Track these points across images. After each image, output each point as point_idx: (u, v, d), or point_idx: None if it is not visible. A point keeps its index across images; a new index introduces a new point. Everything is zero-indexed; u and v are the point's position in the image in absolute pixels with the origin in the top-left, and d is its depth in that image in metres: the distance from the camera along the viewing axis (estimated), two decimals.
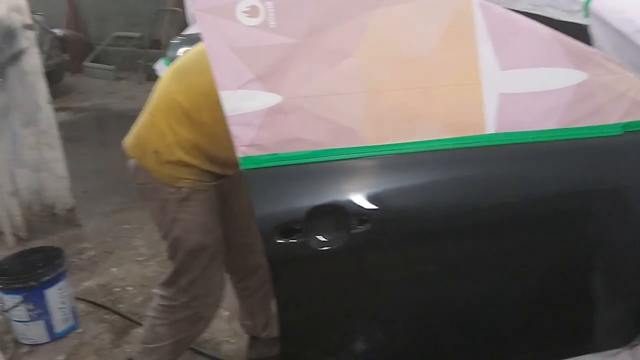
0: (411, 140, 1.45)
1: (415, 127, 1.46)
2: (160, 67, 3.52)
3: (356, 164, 1.44)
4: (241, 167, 1.36)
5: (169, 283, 1.94)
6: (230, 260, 2.08)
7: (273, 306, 2.11)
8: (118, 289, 2.99)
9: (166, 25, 8.33)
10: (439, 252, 1.52)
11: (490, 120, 1.47)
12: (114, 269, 3.16)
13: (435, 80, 1.47)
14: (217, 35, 1.36)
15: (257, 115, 1.37)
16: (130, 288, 2.95)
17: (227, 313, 2.60)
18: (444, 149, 1.46)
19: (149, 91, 1.87)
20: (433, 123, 1.47)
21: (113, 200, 4.02)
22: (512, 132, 1.48)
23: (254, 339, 2.36)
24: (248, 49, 1.37)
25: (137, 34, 9.06)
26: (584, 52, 1.53)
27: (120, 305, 2.83)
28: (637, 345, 1.77)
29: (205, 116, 1.69)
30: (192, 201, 1.80)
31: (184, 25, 4.16)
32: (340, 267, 1.47)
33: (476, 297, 1.59)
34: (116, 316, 2.75)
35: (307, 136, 1.40)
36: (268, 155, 1.38)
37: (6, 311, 2.54)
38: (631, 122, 1.57)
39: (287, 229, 1.38)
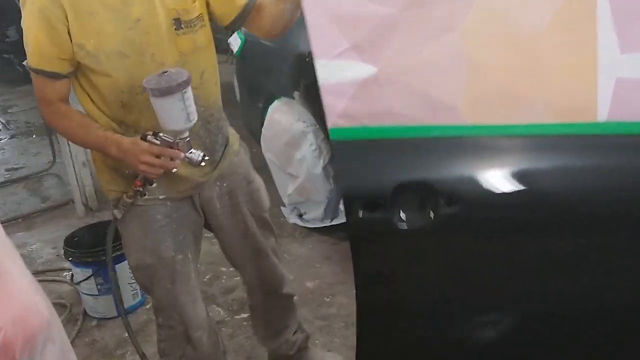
0: (515, 123, 1.36)
1: (520, 109, 1.37)
2: (235, 40, 3.44)
3: (451, 142, 1.37)
4: (330, 138, 1.34)
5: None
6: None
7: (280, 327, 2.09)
8: None
9: None
10: (535, 245, 1.41)
11: (603, 107, 1.34)
12: None
13: (545, 60, 1.37)
14: (316, 3, 1.34)
15: (351, 86, 1.33)
16: (199, 265, 2.90)
17: None
18: (550, 134, 1.37)
19: (219, 63, 1.77)
20: (540, 106, 1.37)
21: None
22: (628, 122, 1.35)
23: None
24: (346, 18, 1.33)
25: None
26: None
27: None
28: None
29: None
30: (125, 215, 1.68)
31: None
32: (423, 247, 1.40)
33: (575, 298, 1.46)
34: None
35: (401, 110, 1.35)
36: (358, 127, 1.35)
37: (77, 283, 2.54)
38: None
39: (371, 203, 1.33)
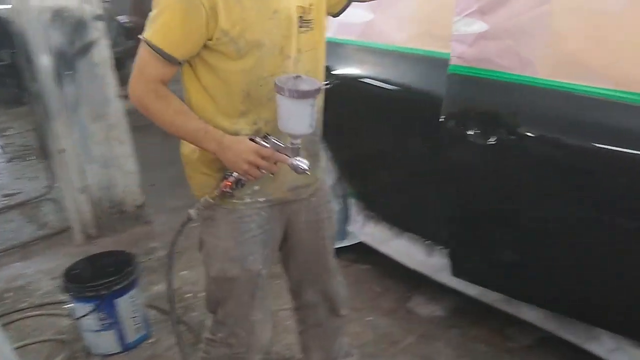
0: (578, 83, 1.71)
1: (585, 73, 1.69)
2: None
3: (524, 89, 1.82)
4: (449, 71, 1.99)
5: (210, 311, 1.81)
6: (291, 288, 1.99)
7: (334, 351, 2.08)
8: (190, 295, 2.89)
9: None
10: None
11: None
12: (184, 272, 3.07)
13: (616, 34, 1.67)
14: None
15: (470, 36, 1.94)
16: (203, 294, 2.78)
17: None
18: (604, 97, 1.66)
19: None
20: (602, 73, 1.66)
21: (182, 194, 3.86)
22: None
23: None
24: None
25: None
26: None
27: (193, 314, 2.71)
28: None
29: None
30: (214, 220, 1.65)
31: None
32: (486, 157, 1.94)
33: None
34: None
35: (497, 59, 1.88)
36: (468, 67, 1.96)
37: (77, 319, 2.42)
38: None
39: (459, 119, 1.98)
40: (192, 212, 1.64)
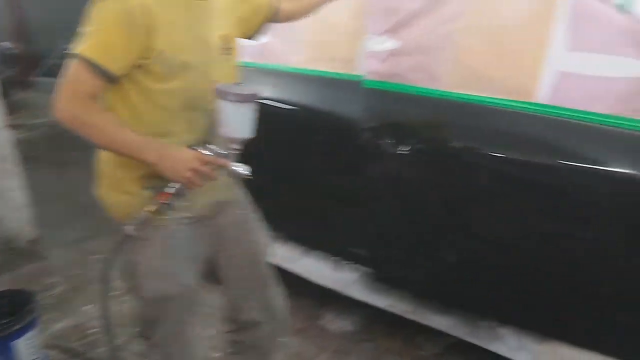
0: (478, 94, 1.89)
1: (484, 84, 1.88)
2: None
3: (434, 102, 1.99)
4: (364, 86, 2.14)
5: (141, 335, 1.76)
6: (228, 308, 1.93)
7: None
8: (94, 330, 2.70)
9: None
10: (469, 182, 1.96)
11: (542, 91, 1.79)
12: (87, 307, 2.88)
13: (510, 49, 1.86)
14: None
15: (382, 54, 2.10)
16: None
17: None
18: (500, 107, 1.86)
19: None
20: (498, 84, 1.86)
21: (78, 227, 3.72)
22: (560, 107, 1.77)
23: None
24: (390, 8, 2.07)
25: None
26: None
27: (99, 350, 2.56)
28: None
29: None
30: (145, 240, 1.61)
31: None
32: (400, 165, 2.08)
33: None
34: None
35: (408, 74, 2.04)
36: (380, 81, 2.11)
37: None
38: None
39: (374, 131, 2.11)
40: (129, 228, 1.57)
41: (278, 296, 1.96)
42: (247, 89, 1.50)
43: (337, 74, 2.24)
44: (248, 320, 1.90)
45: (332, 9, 2.34)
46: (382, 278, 2.33)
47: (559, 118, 1.73)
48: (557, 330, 1.95)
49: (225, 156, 1.52)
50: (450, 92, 1.93)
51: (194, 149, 1.52)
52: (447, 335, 2.26)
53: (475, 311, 2.13)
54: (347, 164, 2.23)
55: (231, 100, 1.46)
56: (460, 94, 1.91)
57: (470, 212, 1.97)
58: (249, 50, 2.64)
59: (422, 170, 2.03)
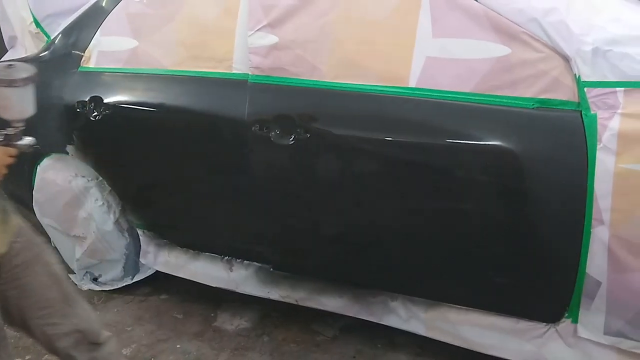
0: (355, 82, 2.03)
1: (361, 73, 2.02)
2: None
3: (314, 92, 2.10)
4: (249, 81, 2.20)
5: None
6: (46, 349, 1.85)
7: None
8: None
9: None
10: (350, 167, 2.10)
11: (414, 76, 1.94)
12: None
13: (382, 38, 1.99)
14: None
15: (263, 49, 2.16)
16: None
17: None
18: (376, 93, 2.00)
19: None
20: (373, 72, 2.00)
21: None
22: (429, 89, 1.93)
23: None
24: (267, 5, 2.14)
25: None
26: (511, 30, 1.80)
27: None
28: (563, 322, 1.95)
29: None
30: None
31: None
32: (286, 156, 2.18)
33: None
34: None
35: (289, 68, 2.13)
36: (264, 76, 2.18)
37: None
38: (547, 99, 1.78)
39: (261, 124, 2.16)
40: None
41: (88, 312, 1.88)
42: (25, 70, 1.57)
43: (216, 73, 2.27)
44: (65, 348, 1.80)
45: (200, 9, 2.37)
46: (275, 270, 2.41)
47: (430, 99, 1.89)
48: (443, 295, 2.14)
49: (11, 137, 1.59)
50: (330, 82, 2.03)
51: None
52: (342, 316, 2.39)
53: (365, 287, 2.28)
54: (232, 161, 2.26)
55: (18, 86, 1.53)
56: (339, 83, 2.02)
57: (353, 192, 2.09)
58: (116, 56, 2.58)
59: (307, 159, 2.12)
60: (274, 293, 2.44)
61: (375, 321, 2.28)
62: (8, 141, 1.59)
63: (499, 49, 1.80)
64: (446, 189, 1.95)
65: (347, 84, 2.01)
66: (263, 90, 2.17)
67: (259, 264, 2.46)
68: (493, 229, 1.92)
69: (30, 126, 1.62)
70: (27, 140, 1.62)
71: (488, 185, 1.87)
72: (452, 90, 1.87)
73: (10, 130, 1.58)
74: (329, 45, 2.04)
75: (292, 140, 2.08)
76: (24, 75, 1.54)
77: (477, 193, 1.90)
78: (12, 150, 1.58)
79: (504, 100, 1.80)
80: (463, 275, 2.04)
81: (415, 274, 2.14)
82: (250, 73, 2.19)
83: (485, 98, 1.82)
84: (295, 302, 2.41)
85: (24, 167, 2.91)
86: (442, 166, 1.92)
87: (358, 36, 2.01)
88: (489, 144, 1.83)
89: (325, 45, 2.04)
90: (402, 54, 1.94)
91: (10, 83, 1.52)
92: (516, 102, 1.78)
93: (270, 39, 2.12)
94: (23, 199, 3.05)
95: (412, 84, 1.92)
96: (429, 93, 1.90)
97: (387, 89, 1.96)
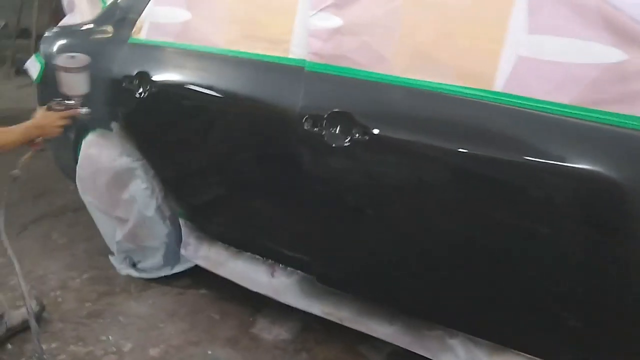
0: (428, 79, 1.68)
1: (435, 69, 1.67)
2: (33, 65, 2.89)
3: (378, 87, 1.77)
4: (306, 69, 1.91)
5: None
6: None
7: None
8: None
9: (35, 12, 7.47)
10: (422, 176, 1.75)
11: (500, 78, 1.58)
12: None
13: (463, 29, 1.65)
14: None
15: (325, 32, 1.86)
16: None
17: None
18: (452, 94, 1.65)
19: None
20: (450, 68, 1.65)
21: None
22: (519, 96, 1.57)
23: None
24: None
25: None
26: (631, 30, 1.42)
27: None
28: None
29: None
30: None
31: (57, 13, 3.49)
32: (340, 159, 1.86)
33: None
34: None
35: (352, 56, 1.81)
36: (324, 64, 1.88)
37: None
38: None
39: (315, 120, 1.86)
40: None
41: None
42: (81, 60, 2.10)
43: (271, 56, 2.00)
44: None
45: None
46: (319, 282, 2.13)
47: (517, 108, 1.54)
48: (510, 340, 1.80)
49: (73, 105, 2.11)
50: (398, 77, 1.71)
51: (50, 107, 2.09)
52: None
53: (422, 319, 1.96)
54: (283, 158, 1.99)
55: (73, 72, 2.08)
56: (409, 79, 1.69)
57: (413, 207, 1.78)
58: (167, 29, 2.36)
59: (363, 164, 1.81)
60: (316, 308, 2.17)
61: (429, 357, 1.98)
62: (68, 108, 2.10)
63: (612, 54, 1.42)
64: (525, 217, 1.59)
65: (419, 80, 1.68)
66: (321, 80, 1.87)
67: (303, 274, 2.20)
68: (579, 268, 1.56)
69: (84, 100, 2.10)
70: (84, 109, 2.14)
71: (580, 219, 1.52)
72: (546, 100, 1.50)
73: (70, 102, 2.11)
74: (400, 33, 1.72)
75: (348, 142, 1.78)
76: (79, 64, 2.08)
77: (564, 225, 1.54)
78: (69, 114, 2.09)
79: (613, 118, 1.42)
80: (536, 318, 1.70)
81: (481, 310, 1.80)
82: (307, 59, 1.90)
83: (588, 113, 1.45)
84: (338, 322, 2.14)
85: (70, 139, 2.77)
86: (524, 189, 1.57)
87: (436, 25, 1.67)
88: (586, 169, 1.46)
89: (395, 33, 1.72)
90: (488, 50, 1.59)
91: (68, 70, 2.08)
92: (628, 122, 1.40)
93: (334, 21, 1.83)
94: (68, 171, 2.93)
95: (498, 87, 1.57)
96: (517, 100, 1.54)
97: (466, 91, 1.61)
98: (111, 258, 2.91)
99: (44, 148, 2.14)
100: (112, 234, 2.84)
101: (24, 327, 2.37)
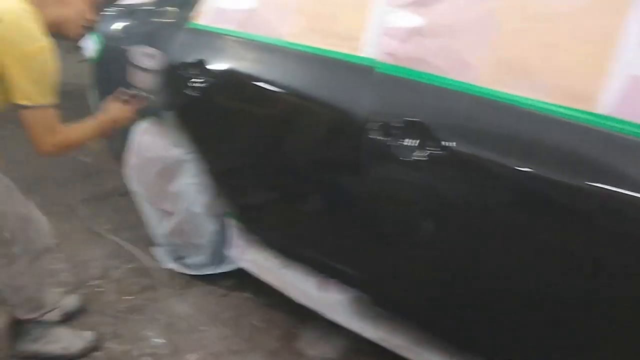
0: (519, 94, 1.45)
1: (530, 82, 1.44)
2: (89, 42, 2.78)
3: (461, 98, 1.53)
4: (376, 70, 1.71)
5: None
6: None
7: None
8: None
9: None
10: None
11: (606, 100, 1.34)
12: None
13: (565, 39, 1.41)
14: None
15: (403, 32, 1.66)
16: None
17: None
18: (546, 113, 1.41)
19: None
20: (547, 84, 1.42)
21: None
22: (629, 122, 1.31)
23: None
24: None
25: None
26: None
27: None
28: None
29: None
30: None
31: None
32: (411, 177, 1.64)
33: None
34: None
35: (433, 60, 1.60)
36: (398, 66, 1.66)
37: None
38: None
39: (384, 128, 1.65)
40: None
41: None
42: (152, 55, 2.26)
43: (338, 53, 1.81)
44: None
45: None
46: (377, 306, 1.95)
47: (627, 137, 1.29)
48: None
49: (142, 96, 2.24)
50: (486, 89, 1.48)
51: (117, 97, 2.18)
52: None
53: (489, 356, 1.77)
54: (345, 166, 1.81)
55: (145, 70, 2.26)
56: (498, 92, 1.46)
57: (488, 236, 1.55)
58: (230, 16, 2.21)
59: (436, 183, 1.60)
60: (369, 331, 1.98)
61: None
62: (136, 99, 2.21)
63: None
64: (627, 259, 1.34)
65: (508, 94, 1.45)
66: (393, 84, 1.67)
67: (357, 292, 2.02)
68: None
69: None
70: (152, 99, 2.29)
71: None
72: None
73: (139, 93, 2.24)
74: (491, 39, 1.50)
75: (419, 156, 1.57)
76: (149, 61, 2.25)
77: None
78: (139, 106, 2.22)
79: None
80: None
81: (552, 352, 1.58)
82: (379, 60, 1.70)
83: None
84: (392, 349, 1.96)
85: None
86: (628, 228, 1.33)
87: (534, 33, 1.44)
88: None
89: (486, 39, 1.50)
90: (594, 65, 1.35)
91: (142, 68, 2.26)
92: None
93: (415, 20, 1.63)
94: (118, 156, 2.83)
95: (603, 109, 1.33)
96: (627, 127, 1.29)
97: (564, 111, 1.37)
98: (155, 250, 2.80)
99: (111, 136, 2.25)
100: (158, 225, 2.73)
101: (78, 310, 2.41)
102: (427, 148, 1.56)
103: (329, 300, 2.08)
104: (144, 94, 2.23)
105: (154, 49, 2.26)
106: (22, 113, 1.79)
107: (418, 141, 1.58)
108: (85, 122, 2.01)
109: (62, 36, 2.00)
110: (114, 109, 2.11)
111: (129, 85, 2.24)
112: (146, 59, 2.25)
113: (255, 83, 2.04)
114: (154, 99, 2.25)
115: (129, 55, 2.24)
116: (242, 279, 2.58)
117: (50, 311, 2.14)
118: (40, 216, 2.06)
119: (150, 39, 2.53)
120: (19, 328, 2.13)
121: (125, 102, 2.16)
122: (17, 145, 2.06)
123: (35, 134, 1.82)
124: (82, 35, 2.13)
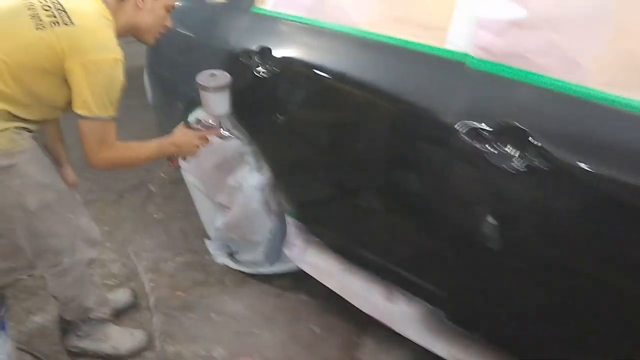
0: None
1: None
2: None
3: (568, 101, 1.34)
4: (467, 65, 1.53)
5: (50, 265, 1.92)
6: None
7: None
8: None
9: None
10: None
11: None
12: None
13: None
14: None
15: (500, 24, 1.47)
16: None
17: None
18: None
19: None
20: None
21: None
22: None
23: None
24: None
25: None
26: None
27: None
28: None
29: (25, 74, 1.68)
30: (17, 165, 1.73)
31: None
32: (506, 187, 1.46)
33: None
34: None
35: (534, 57, 1.41)
36: (493, 62, 1.48)
37: None
38: None
39: (476, 132, 1.47)
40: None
41: None
42: (221, 79, 1.98)
43: (423, 45, 1.63)
44: None
45: None
46: (452, 322, 1.79)
47: None
48: None
49: (213, 126, 2.06)
50: (600, 92, 1.28)
51: (189, 126, 2.03)
52: None
53: None
54: (426, 169, 1.64)
55: (210, 92, 1.97)
56: (614, 95, 1.26)
57: (587, 257, 1.36)
58: (299, 1, 2.06)
59: (538, 197, 1.40)
60: (441, 348, 1.83)
61: None
62: (207, 129, 2.04)
63: None
64: None
65: (627, 99, 1.25)
66: (487, 82, 1.48)
67: (429, 306, 1.87)
68: None
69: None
70: (224, 132, 2.09)
71: None
72: None
73: (210, 123, 2.05)
74: (605, 35, 1.30)
75: (518, 165, 1.39)
76: (219, 83, 1.97)
77: None
78: (204, 132, 2.02)
79: None
80: None
81: None
82: (471, 54, 1.52)
83: None
84: None
85: (180, 109, 2.54)
86: None
87: None
88: None
89: (598, 34, 1.30)
90: None
91: (206, 89, 1.97)
92: None
93: (515, 11, 1.44)
94: None
95: None
96: None
97: None
98: (207, 242, 2.70)
99: (179, 167, 2.20)
100: (212, 218, 2.62)
101: (129, 306, 2.37)
102: (526, 157, 1.39)
103: (397, 312, 1.92)
104: (215, 122, 2.03)
105: (221, 70, 2.02)
106: (79, 121, 1.70)
107: (515, 149, 1.41)
108: (145, 143, 1.89)
109: (137, 40, 1.92)
110: (180, 135, 1.97)
111: (189, 82, 2.02)
112: (212, 81, 1.96)
113: (324, 74, 1.88)
114: (227, 131, 2.07)
115: (196, 79, 1.97)
116: (296, 279, 2.46)
117: (98, 311, 2.06)
118: (90, 224, 1.96)
119: (208, 23, 2.41)
120: (69, 323, 2.06)
121: (197, 130, 2.01)
122: (68, 129, 1.95)
123: (88, 145, 1.72)
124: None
